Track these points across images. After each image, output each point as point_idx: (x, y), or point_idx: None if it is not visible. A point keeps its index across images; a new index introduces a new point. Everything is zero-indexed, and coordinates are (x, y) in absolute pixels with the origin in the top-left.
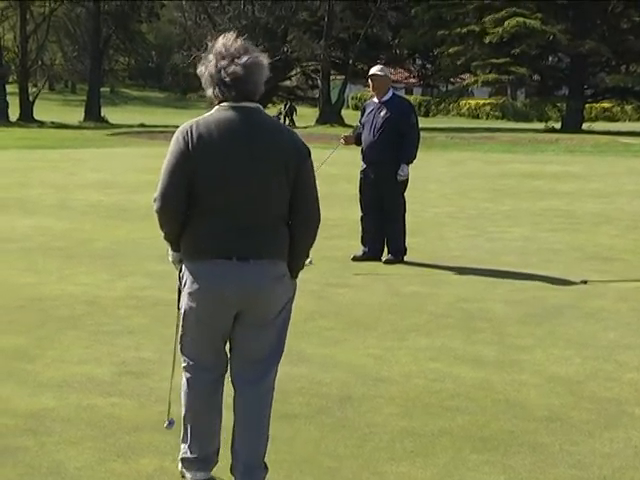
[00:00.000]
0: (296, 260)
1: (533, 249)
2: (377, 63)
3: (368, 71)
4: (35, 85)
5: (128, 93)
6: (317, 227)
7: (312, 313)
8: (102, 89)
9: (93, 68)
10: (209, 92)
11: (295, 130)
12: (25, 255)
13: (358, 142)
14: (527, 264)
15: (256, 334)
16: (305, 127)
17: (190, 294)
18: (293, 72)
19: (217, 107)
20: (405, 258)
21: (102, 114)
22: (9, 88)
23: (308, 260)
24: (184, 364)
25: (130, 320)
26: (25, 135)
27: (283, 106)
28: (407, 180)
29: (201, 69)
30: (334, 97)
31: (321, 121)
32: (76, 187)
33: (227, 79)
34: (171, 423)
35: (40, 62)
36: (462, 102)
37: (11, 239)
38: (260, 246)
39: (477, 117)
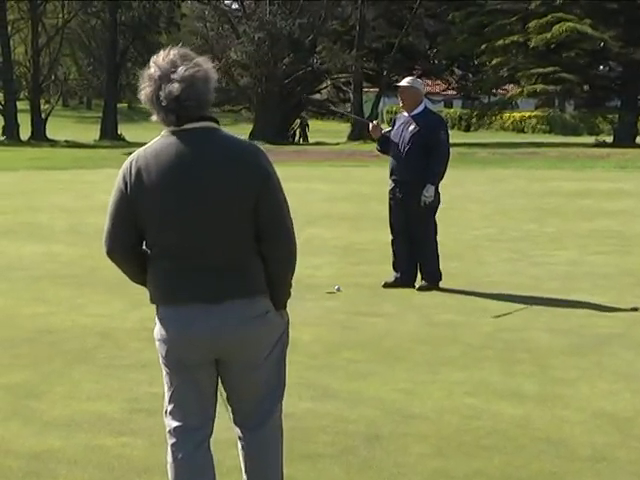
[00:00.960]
0: (277, 292)
1: (580, 274)
2: (413, 74)
3: None
4: (48, 101)
5: (146, 109)
6: (292, 252)
7: (338, 345)
8: (119, 105)
9: (109, 83)
10: (153, 118)
11: (306, 139)
12: (33, 284)
13: (383, 147)
14: (573, 290)
15: (246, 377)
16: (336, 144)
17: (160, 341)
18: (323, 85)
19: (163, 132)
20: (440, 284)
21: (119, 132)
22: (20, 105)
23: (335, 287)
24: (168, 427)
25: (144, 353)
26: (36, 155)
27: (299, 122)
28: (438, 201)
29: (140, 96)
30: (367, 111)
31: (353, 137)
32: (89, 210)
33: (164, 102)
34: None
35: (53, 77)
36: (506, 115)
37: (19, 267)
38: (229, 284)
39: (522, 131)
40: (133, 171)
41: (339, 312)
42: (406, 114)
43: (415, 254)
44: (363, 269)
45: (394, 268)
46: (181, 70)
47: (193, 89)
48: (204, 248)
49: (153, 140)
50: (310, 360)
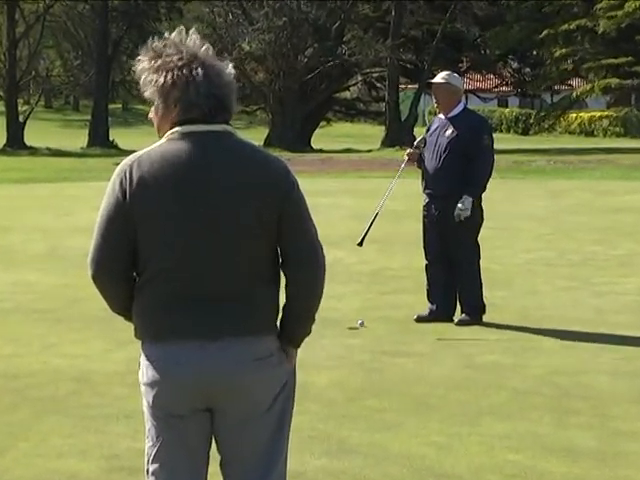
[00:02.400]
0: (297, 328)
1: None
2: (459, 68)
3: None
4: (27, 102)
5: (144, 110)
6: (320, 277)
7: (359, 391)
8: (111, 106)
9: (100, 79)
10: (152, 111)
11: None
12: (0, 319)
13: (420, 164)
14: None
15: (242, 433)
16: (368, 151)
17: (145, 385)
18: (352, 81)
19: (167, 134)
20: (483, 318)
21: (111, 138)
22: None
23: (359, 322)
24: None
25: (127, 401)
26: (12, 165)
27: None
28: (481, 218)
29: (143, 75)
30: (405, 112)
31: (388, 143)
32: (71, 231)
33: (177, 90)
34: None
35: (33, 73)
36: (572, 115)
37: None
38: (230, 319)
39: (592, 134)
40: (134, 176)
41: (362, 351)
42: (442, 116)
43: (454, 282)
44: (393, 300)
45: (428, 299)
46: (207, 59)
47: (219, 85)
48: (207, 274)
49: (157, 143)
50: (326, 409)
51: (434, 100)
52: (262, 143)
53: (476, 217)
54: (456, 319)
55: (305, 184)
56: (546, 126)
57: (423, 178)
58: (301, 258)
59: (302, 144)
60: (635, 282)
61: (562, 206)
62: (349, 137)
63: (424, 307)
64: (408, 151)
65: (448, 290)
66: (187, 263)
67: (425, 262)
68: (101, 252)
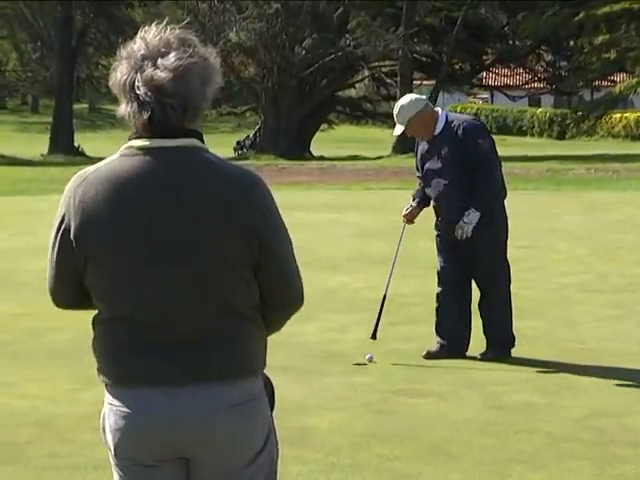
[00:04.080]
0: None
1: None
2: (483, 61)
3: (471, 73)
4: None
5: (114, 112)
6: (297, 308)
7: (367, 436)
8: (76, 106)
9: (63, 75)
10: (120, 110)
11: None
12: None
13: (426, 202)
14: None
15: None
16: (377, 158)
17: (108, 433)
18: (358, 77)
19: (122, 149)
20: (512, 351)
21: (76, 143)
22: None
23: (367, 357)
24: None
25: (97, 449)
26: None
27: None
28: (505, 234)
29: (110, 78)
30: None
31: (400, 149)
32: (30, 252)
33: (140, 90)
34: None
35: None
36: (615, 116)
37: None
38: (201, 363)
39: (639, 138)
40: (77, 202)
41: (370, 391)
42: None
43: (468, 312)
44: (406, 331)
45: (437, 332)
46: (174, 56)
47: (183, 85)
48: (171, 313)
49: (109, 158)
50: (329, 457)
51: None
52: (252, 150)
53: (501, 234)
54: (480, 353)
55: (303, 197)
56: (585, 128)
57: (433, 206)
58: (277, 298)
59: (299, 150)
60: None
61: (603, 222)
62: (354, 142)
63: (433, 342)
64: (404, 212)
65: (462, 322)
66: (146, 307)
67: (438, 289)
68: (53, 283)
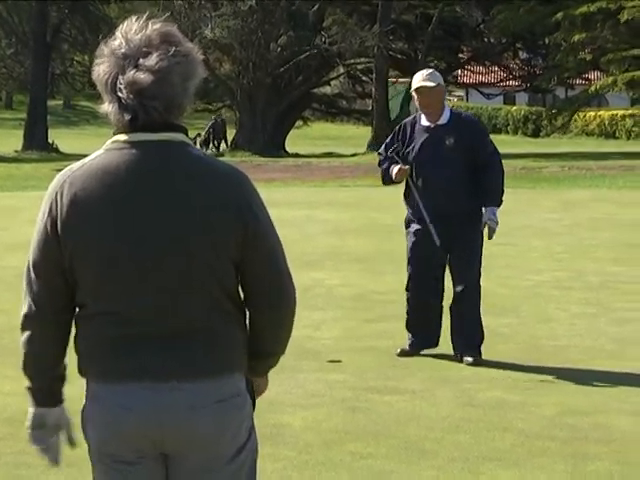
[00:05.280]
0: (261, 360)
1: None
2: (458, 59)
3: (445, 70)
4: None
5: (90, 108)
6: (288, 318)
7: (341, 433)
8: (51, 102)
9: (37, 71)
10: (103, 108)
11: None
12: None
13: (392, 181)
14: None
15: None
16: (352, 155)
17: (88, 428)
18: (333, 74)
19: (107, 143)
20: (487, 348)
21: (50, 139)
22: None
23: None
24: None
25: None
26: None
27: (210, 124)
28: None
29: (93, 74)
30: (395, 109)
31: (376, 145)
32: (4, 249)
33: (122, 93)
34: None
35: None
36: (590, 114)
37: None
38: (185, 358)
39: (613, 136)
40: (65, 199)
41: (345, 388)
42: (427, 123)
43: (440, 308)
44: (381, 328)
45: (408, 328)
46: (155, 57)
47: (165, 86)
48: (158, 309)
49: (94, 154)
50: (302, 455)
51: (420, 106)
52: (228, 146)
53: (481, 234)
54: (467, 360)
55: (278, 194)
56: (559, 125)
57: (408, 196)
58: (265, 297)
59: (275, 147)
60: None
61: (578, 220)
62: (330, 139)
63: (405, 340)
64: (398, 169)
65: (434, 317)
66: (134, 301)
67: (408, 284)
68: (33, 288)
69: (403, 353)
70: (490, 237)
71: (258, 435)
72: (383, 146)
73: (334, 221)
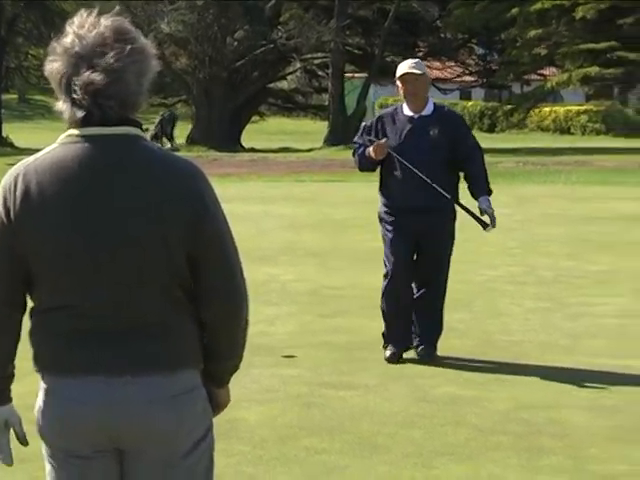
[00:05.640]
0: (217, 363)
1: (636, 330)
2: (415, 54)
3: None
4: None
5: (45, 102)
6: (243, 315)
7: (295, 428)
8: (5, 96)
9: None
10: (58, 106)
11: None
12: None
13: (371, 163)
14: (626, 352)
15: (156, 479)
16: (308, 150)
17: (41, 423)
18: (290, 69)
19: (62, 137)
20: (441, 344)
21: (4, 134)
22: None
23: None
24: None
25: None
26: None
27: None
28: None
29: (45, 70)
30: (351, 104)
31: (331, 141)
32: None
33: (76, 94)
34: None
35: None
36: (545, 110)
37: None
38: (140, 353)
39: (568, 131)
40: (18, 191)
41: (300, 383)
42: (409, 113)
43: (412, 303)
44: (335, 323)
45: (393, 332)
46: (111, 57)
47: (121, 86)
48: (113, 302)
49: (48, 147)
50: (256, 450)
51: (405, 94)
52: (184, 141)
53: (454, 232)
54: (419, 352)
55: (234, 189)
56: (515, 121)
57: (382, 186)
58: (217, 292)
59: (231, 142)
60: (615, 302)
61: (532, 215)
62: (286, 134)
63: (371, 331)
64: (384, 140)
65: (411, 320)
66: (88, 295)
67: (388, 285)
68: None
69: (393, 359)
70: (494, 225)
71: (214, 431)
72: (357, 135)
73: (290, 216)
